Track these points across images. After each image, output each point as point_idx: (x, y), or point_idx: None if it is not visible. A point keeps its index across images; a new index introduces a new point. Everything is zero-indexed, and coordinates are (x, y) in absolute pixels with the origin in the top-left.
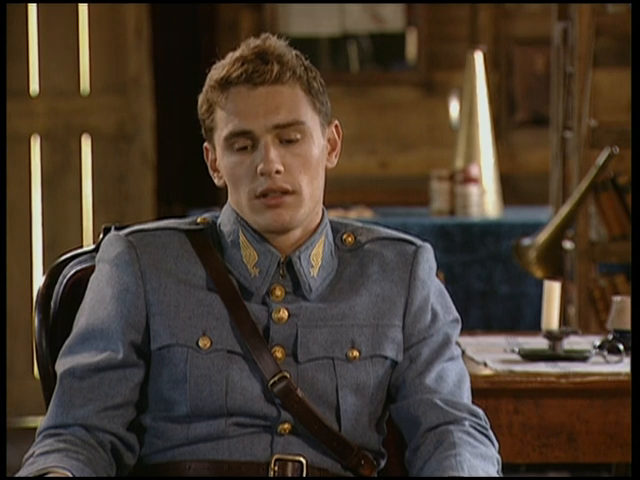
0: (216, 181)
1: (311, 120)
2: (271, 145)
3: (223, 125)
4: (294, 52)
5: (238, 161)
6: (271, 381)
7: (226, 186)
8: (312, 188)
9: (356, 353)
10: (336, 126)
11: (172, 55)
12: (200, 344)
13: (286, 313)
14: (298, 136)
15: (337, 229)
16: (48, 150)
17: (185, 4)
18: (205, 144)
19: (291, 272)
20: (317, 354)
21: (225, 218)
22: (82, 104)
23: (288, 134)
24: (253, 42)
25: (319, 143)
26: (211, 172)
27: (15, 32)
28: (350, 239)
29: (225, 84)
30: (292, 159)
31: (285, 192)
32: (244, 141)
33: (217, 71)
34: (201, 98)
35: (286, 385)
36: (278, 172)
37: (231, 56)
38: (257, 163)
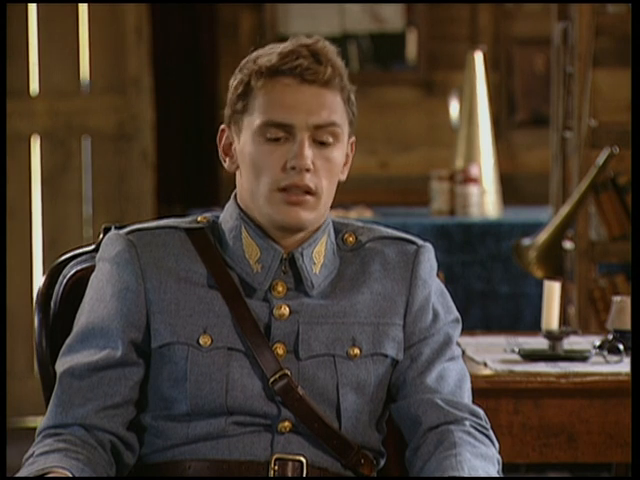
0: (226, 165)
1: (344, 127)
2: (306, 142)
3: (262, 111)
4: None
5: (267, 150)
6: (272, 379)
7: (234, 175)
8: (328, 194)
9: (357, 351)
10: (353, 142)
11: (172, 55)
12: (201, 342)
13: (287, 309)
14: (331, 140)
15: (338, 229)
16: (48, 150)
17: (185, 4)
18: (223, 126)
19: (293, 268)
20: (318, 351)
21: (227, 215)
22: (82, 104)
23: (322, 136)
24: (304, 40)
25: (343, 152)
26: (222, 156)
27: (15, 32)
28: (351, 239)
29: (274, 72)
30: (321, 162)
31: (308, 192)
32: (279, 132)
33: (265, 58)
34: (237, 80)
35: (287, 383)
36: (308, 170)
37: (278, 47)
38: (289, 157)
